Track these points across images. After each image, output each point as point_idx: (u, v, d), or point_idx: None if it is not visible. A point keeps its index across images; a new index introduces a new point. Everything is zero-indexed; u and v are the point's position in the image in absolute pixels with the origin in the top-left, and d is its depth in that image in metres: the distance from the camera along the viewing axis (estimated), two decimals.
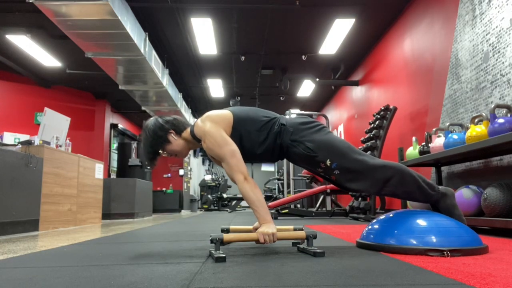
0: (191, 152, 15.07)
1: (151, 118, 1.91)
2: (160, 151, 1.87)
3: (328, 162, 1.76)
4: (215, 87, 8.55)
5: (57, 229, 3.94)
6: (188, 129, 1.90)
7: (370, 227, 1.91)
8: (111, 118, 9.47)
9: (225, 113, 1.84)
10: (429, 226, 1.65)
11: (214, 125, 1.77)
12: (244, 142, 1.81)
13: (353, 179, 1.78)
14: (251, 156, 1.85)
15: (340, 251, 1.78)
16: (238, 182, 1.70)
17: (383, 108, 5.04)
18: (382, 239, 1.74)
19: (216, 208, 13.07)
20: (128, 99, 7.60)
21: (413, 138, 3.82)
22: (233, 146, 1.74)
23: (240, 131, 1.81)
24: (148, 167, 1.98)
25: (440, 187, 1.85)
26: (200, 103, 9.96)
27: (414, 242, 1.61)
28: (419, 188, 1.77)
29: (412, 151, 3.77)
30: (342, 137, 8.28)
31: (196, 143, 1.89)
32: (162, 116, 1.91)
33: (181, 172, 13.38)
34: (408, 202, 3.52)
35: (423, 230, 1.64)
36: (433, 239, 1.60)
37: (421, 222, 1.68)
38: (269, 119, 1.85)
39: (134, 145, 9.32)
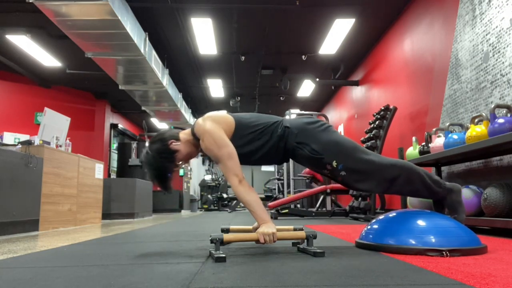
0: None
1: (143, 152, 1.85)
2: (175, 166, 1.83)
3: (334, 164, 1.75)
4: (215, 87, 8.55)
5: (57, 229, 3.94)
6: (186, 130, 1.88)
7: (369, 227, 1.90)
8: (111, 118, 9.47)
9: (227, 116, 1.83)
10: (428, 226, 1.65)
11: (215, 125, 1.76)
12: (246, 146, 1.80)
13: (360, 180, 1.77)
14: (254, 159, 1.84)
15: (340, 251, 1.78)
16: (233, 185, 1.69)
17: (383, 108, 5.05)
18: (381, 239, 1.74)
19: (216, 208, 13.07)
20: (128, 99, 7.61)
21: (413, 138, 3.82)
22: (230, 148, 1.73)
23: (242, 135, 1.80)
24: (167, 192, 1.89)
25: (447, 183, 1.84)
26: (200, 103, 9.96)
27: (413, 242, 1.61)
28: (425, 186, 1.78)
29: (412, 151, 3.77)
30: None
31: (197, 143, 1.84)
32: (150, 142, 1.86)
33: (181, 172, 13.38)
34: (407, 201, 3.53)
35: (422, 230, 1.64)
36: (432, 239, 1.60)
37: (420, 222, 1.68)
38: (271, 123, 1.84)
39: (134, 145, 9.32)
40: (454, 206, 1.83)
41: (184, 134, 1.87)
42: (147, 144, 1.86)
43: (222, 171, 1.75)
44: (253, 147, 1.81)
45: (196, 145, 1.86)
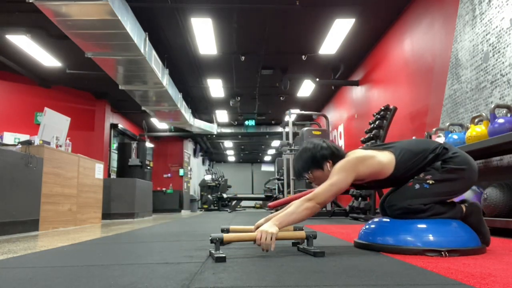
0: (191, 152, 15.10)
1: (317, 141, 1.93)
2: (309, 172, 1.91)
3: (430, 181, 1.73)
4: (215, 87, 8.55)
5: (57, 229, 3.94)
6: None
7: (367, 226, 1.90)
8: (111, 118, 9.46)
9: (381, 161, 1.82)
10: (427, 226, 1.65)
11: (356, 162, 1.80)
12: (404, 174, 1.82)
13: (397, 198, 1.78)
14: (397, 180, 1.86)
15: (340, 251, 1.78)
16: (308, 196, 1.75)
17: (383, 108, 5.05)
18: (380, 238, 1.73)
19: (216, 208, 13.07)
20: (128, 99, 7.60)
21: (413, 138, 3.82)
22: (342, 180, 1.76)
23: (405, 169, 1.81)
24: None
25: (467, 205, 1.82)
26: (200, 103, 9.96)
27: (412, 242, 1.61)
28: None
29: None
30: (342, 137, 8.30)
31: None
32: (326, 141, 1.93)
33: (181, 172, 13.38)
34: None
35: (421, 230, 1.64)
36: (431, 239, 1.59)
37: (419, 222, 1.68)
38: (430, 150, 1.82)
39: (134, 145, 9.31)
40: (476, 228, 1.78)
41: None
42: (319, 141, 1.95)
43: (321, 185, 1.80)
44: (409, 173, 1.82)
45: None
